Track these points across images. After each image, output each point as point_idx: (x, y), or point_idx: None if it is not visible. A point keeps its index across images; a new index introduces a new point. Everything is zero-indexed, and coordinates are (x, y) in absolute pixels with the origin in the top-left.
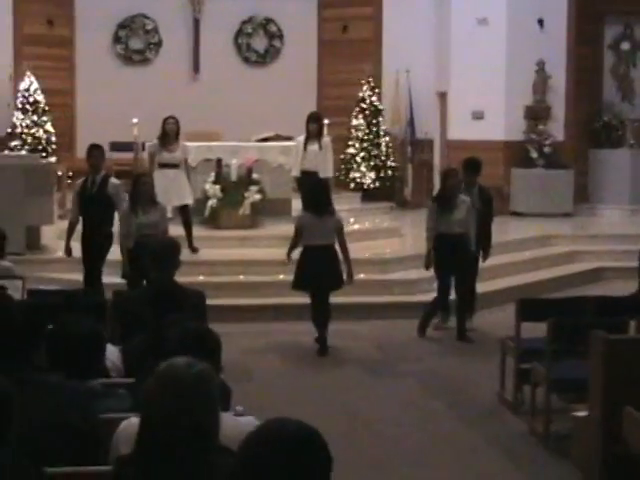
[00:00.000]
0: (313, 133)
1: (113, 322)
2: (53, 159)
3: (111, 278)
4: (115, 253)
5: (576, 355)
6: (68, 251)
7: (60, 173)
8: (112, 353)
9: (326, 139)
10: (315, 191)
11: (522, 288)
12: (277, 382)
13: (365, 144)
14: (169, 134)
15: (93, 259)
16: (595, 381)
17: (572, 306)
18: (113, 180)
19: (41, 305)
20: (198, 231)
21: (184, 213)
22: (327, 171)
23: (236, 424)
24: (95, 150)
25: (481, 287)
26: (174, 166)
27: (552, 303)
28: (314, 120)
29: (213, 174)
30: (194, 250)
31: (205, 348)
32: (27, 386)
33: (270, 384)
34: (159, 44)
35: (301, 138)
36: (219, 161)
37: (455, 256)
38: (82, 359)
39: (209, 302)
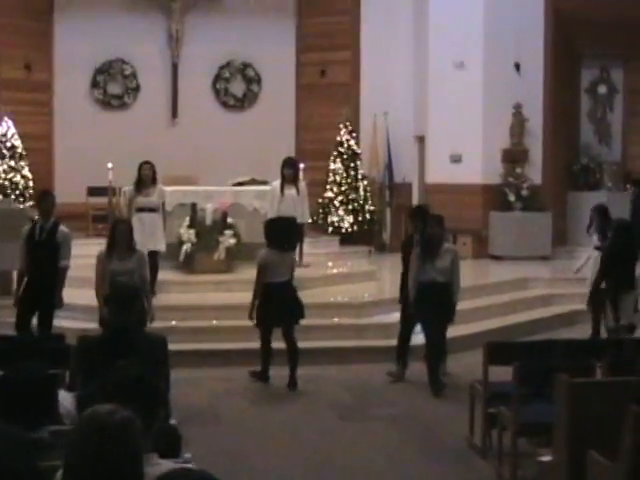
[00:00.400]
0: (289, 178)
1: (75, 368)
2: (30, 204)
3: (80, 323)
4: (85, 298)
5: (543, 399)
6: (18, 301)
7: (36, 218)
8: (66, 399)
9: (302, 184)
10: (288, 228)
11: (498, 331)
12: (246, 425)
13: (343, 188)
14: (144, 179)
15: (41, 304)
16: (559, 425)
17: (540, 349)
18: (63, 228)
19: None
20: (172, 275)
21: (152, 258)
22: (305, 216)
23: None
24: (46, 197)
25: (458, 330)
26: (151, 210)
27: (520, 347)
28: (290, 165)
29: (188, 218)
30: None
31: (139, 395)
32: None
33: (239, 428)
34: (137, 89)
35: (276, 183)
36: (194, 205)
37: (437, 305)
38: (32, 406)
39: (181, 347)
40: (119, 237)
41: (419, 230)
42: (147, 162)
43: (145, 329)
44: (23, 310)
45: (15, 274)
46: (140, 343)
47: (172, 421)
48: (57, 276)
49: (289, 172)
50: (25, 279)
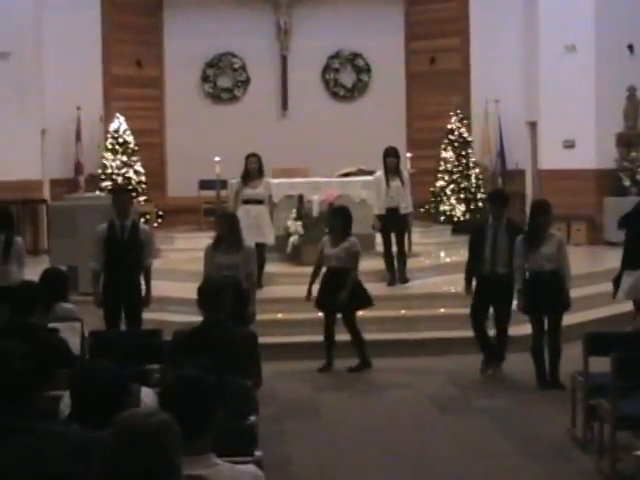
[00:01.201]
0: (391, 168)
1: (166, 363)
2: (143, 198)
3: (185, 317)
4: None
5: None
6: (99, 301)
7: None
8: (147, 395)
9: (405, 173)
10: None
11: (611, 319)
12: (345, 419)
13: (455, 176)
14: (250, 172)
15: (128, 302)
16: None
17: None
18: (144, 226)
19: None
20: (280, 268)
21: (259, 251)
22: (409, 207)
23: (233, 473)
24: (122, 195)
25: (570, 318)
26: (257, 202)
27: (619, 337)
28: (392, 155)
29: (295, 210)
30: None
31: (194, 396)
32: (26, 435)
33: (338, 421)
34: (247, 82)
35: (379, 174)
36: (300, 197)
37: (547, 295)
38: (102, 407)
39: (287, 339)
40: (222, 230)
41: (497, 216)
42: (253, 154)
43: (238, 324)
44: (109, 310)
45: (91, 273)
46: (228, 339)
47: (252, 418)
48: (145, 275)
49: (392, 161)
50: (102, 278)
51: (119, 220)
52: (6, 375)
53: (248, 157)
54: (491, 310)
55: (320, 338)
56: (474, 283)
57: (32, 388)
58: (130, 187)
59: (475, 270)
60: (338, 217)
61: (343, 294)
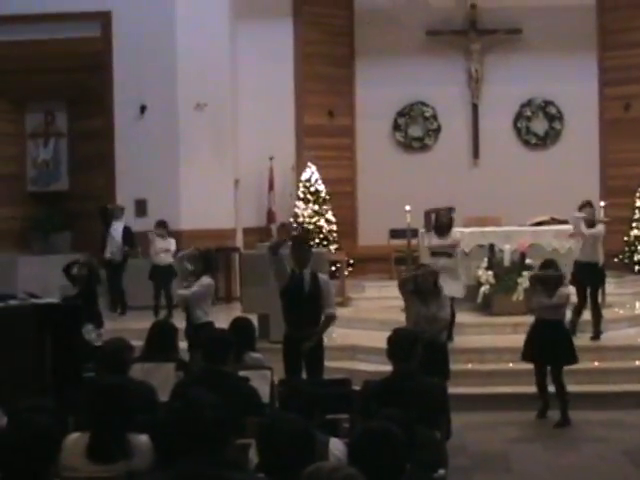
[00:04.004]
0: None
1: (355, 413)
2: (334, 247)
3: (374, 366)
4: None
5: None
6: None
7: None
8: (336, 446)
9: (600, 226)
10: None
11: None
12: (536, 473)
13: None
14: (442, 225)
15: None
16: None
17: None
18: (322, 276)
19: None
20: (470, 317)
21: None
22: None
23: None
24: (303, 244)
25: None
26: (445, 254)
27: None
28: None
29: (486, 260)
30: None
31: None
32: None
33: (529, 476)
34: (438, 130)
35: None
36: (492, 246)
37: None
38: (289, 458)
39: (477, 390)
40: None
41: None
42: (444, 208)
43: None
44: (291, 359)
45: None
46: (419, 390)
47: (441, 471)
48: (324, 323)
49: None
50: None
51: (298, 270)
52: (197, 424)
53: (440, 210)
54: None
55: (511, 389)
56: None
57: (222, 437)
58: (322, 235)
59: None
60: (552, 267)
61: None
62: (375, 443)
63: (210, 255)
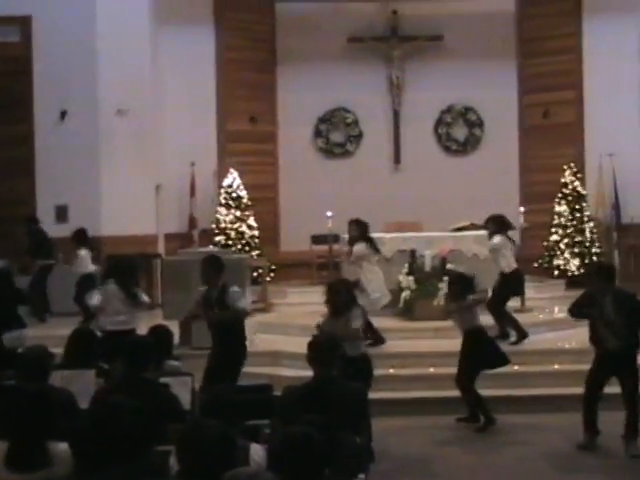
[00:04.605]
0: None
1: (276, 419)
2: (256, 253)
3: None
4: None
5: None
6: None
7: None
8: (256, 452)
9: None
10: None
11: None
12: (458, 477)
13: (569, 230)
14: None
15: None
16: None
17: None
18: (231, 289)
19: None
20: (392, 322)
21: None
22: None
23: None
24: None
25: None
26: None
27: None
28: None
29: (407, 265)
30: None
31: (300, 454)
32: None
33: (450, 479)
34: (360, 136)
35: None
36: (413, 252)
37: None
38: (209, 465)
39: (398, 395)
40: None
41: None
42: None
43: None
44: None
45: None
46: (340, 396)
47: (361, 476)
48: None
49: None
50: None
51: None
52: (116, 431)
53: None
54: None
55: (432, 394)
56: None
57: (142, 444)
58: (243, 241)
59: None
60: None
61: None
62: (294, 449)
63: (115, 262)
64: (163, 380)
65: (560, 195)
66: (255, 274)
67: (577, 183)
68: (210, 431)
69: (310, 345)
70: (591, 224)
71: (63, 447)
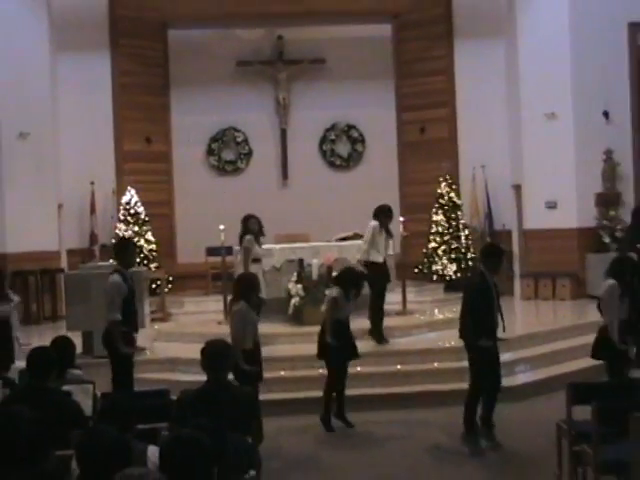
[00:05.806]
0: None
1: (172, 422)
2: (154, 265)
3: (193, 376)
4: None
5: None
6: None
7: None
8: (153, 453)
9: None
10: None
11: (594, 369)
12: (345, 471)
13: (446, 238)
14: (260, 232)
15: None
16: (637, 463)
17: (621, 389)
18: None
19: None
20: (282, 328)
21: None
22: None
23: None
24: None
25: (556, 369)
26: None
27: (601, 386)
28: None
29: (295, 274)
30: None
31: (188, 455)
32: None
33: (338, 474)
34: (249, 154)
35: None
36: (301, 261)
37: None
38: (105, 469)
39: (290, 395)
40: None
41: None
42: (253, 216)
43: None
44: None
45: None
46: (230, 398)
47: (252, 472)
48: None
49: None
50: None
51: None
52: (11, 437)
53: (252, 218)
54: None
55: (321, 394)
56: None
57: (38, 449)
58: (142, 255)
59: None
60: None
61: None
62: (182, 450)
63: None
64: (66, 388)
65: (437, 205)
66: (154, 286)
67: (452, 194)
68: (104, 435)
69: (202, 351)
70: (466, 231)
71: None
